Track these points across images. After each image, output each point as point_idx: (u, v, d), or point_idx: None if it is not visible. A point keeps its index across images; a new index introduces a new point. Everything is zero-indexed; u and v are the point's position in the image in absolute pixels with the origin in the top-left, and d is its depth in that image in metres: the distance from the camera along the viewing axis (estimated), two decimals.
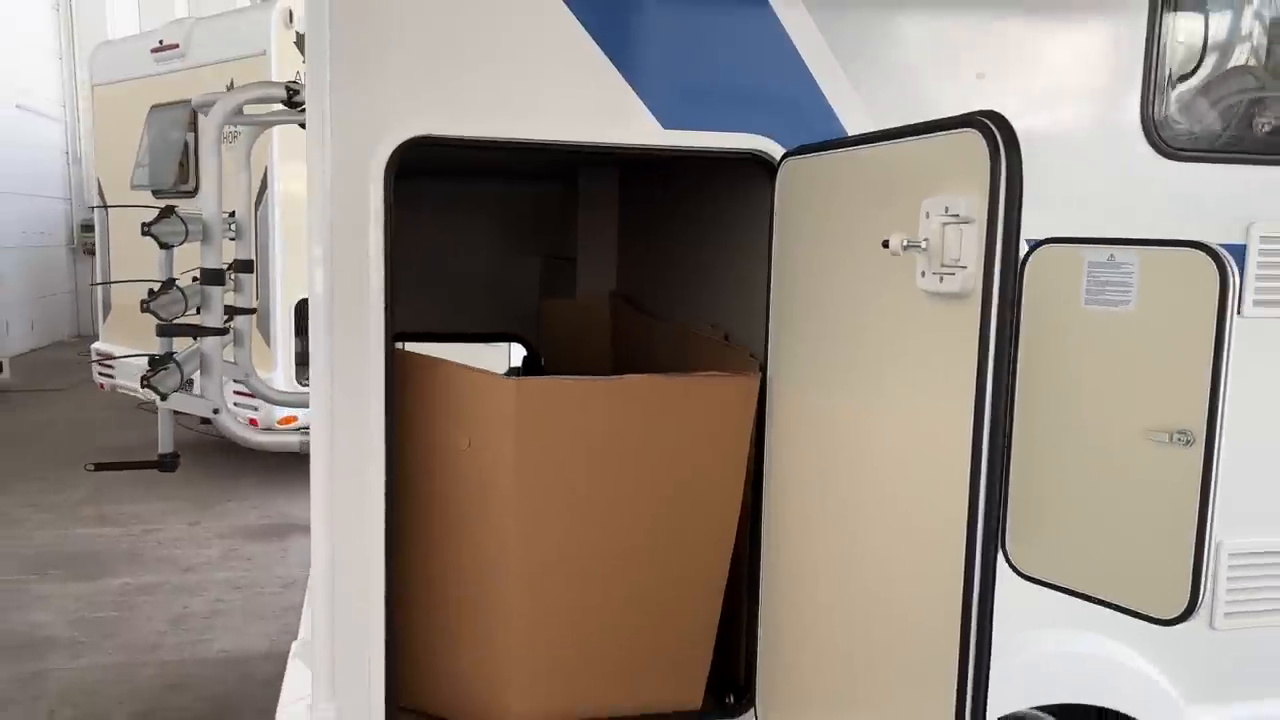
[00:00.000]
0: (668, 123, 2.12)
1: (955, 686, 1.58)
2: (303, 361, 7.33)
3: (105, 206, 8.32)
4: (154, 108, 7.76)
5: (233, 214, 3.59)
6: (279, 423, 6.73)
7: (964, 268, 1.43)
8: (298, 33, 6.83)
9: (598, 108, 2.09)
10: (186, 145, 7.46)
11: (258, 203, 6.82)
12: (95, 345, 8.58)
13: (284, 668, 4.55)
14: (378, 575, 2.09)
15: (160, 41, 7.56)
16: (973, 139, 1.41)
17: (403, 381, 2.09)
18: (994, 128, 1.39)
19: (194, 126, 7.42)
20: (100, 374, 8.46)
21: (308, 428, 2.01)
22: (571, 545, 2.21)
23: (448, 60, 2.00)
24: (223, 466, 7.92)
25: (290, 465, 7.94)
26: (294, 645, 2.62)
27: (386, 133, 1.98)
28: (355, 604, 2.10)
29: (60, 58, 15.88)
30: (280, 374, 6.75)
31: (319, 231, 1.99)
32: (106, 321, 8.53)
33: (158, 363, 2.62)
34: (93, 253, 16.05)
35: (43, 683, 4.31)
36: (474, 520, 2.20)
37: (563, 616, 2.24)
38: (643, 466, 2.20)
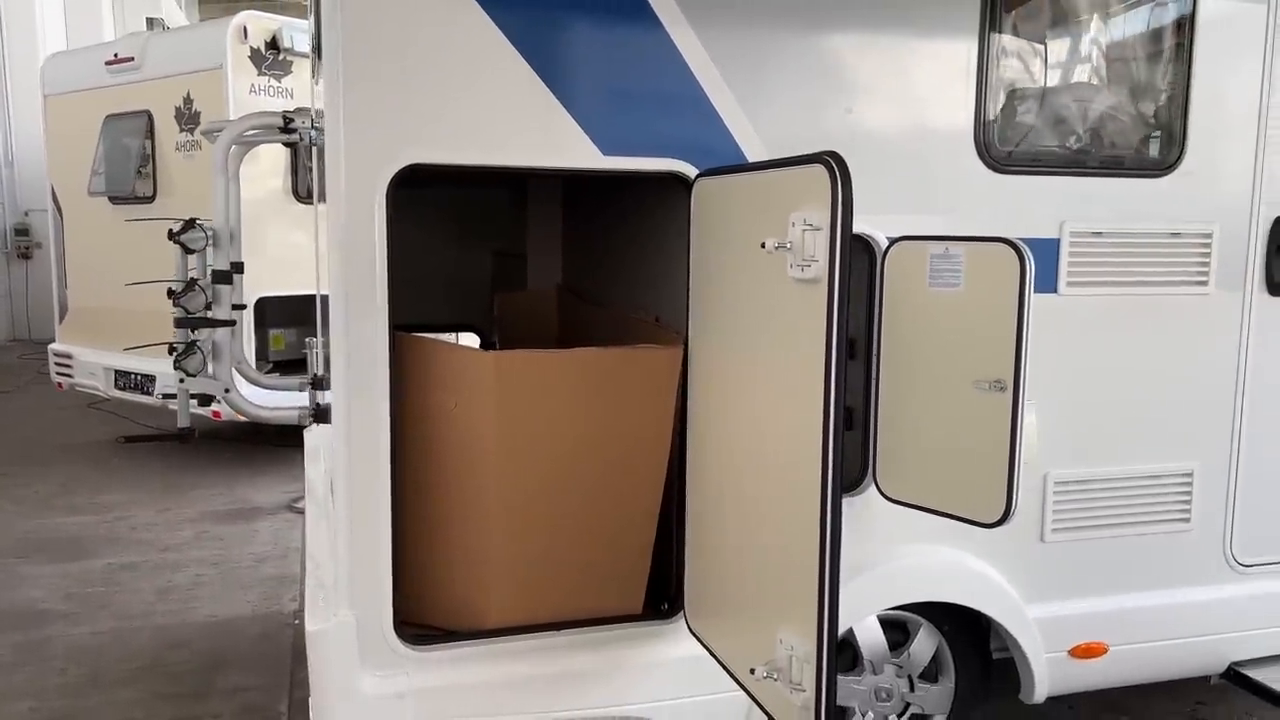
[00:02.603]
0: (606, 151, 2.72)
1: (816, 589, 2.07)
2: (261, 355, 7.78)
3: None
4: (109, 117, 8.12)
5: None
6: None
7: (816, 261, 2.05)
8: (251, 47, 7.29)
9: (550, 140, 2.68)
10: (144, 153, 7.84)
11: None
12: (52, 346, 8.87)
13: (267, 629, 5.09)
14: (384, 510, 2.66)
15: (115, 54, 7.93)
16: (820, 171, 2.03)
17: (402, 357, 2.66)
18: (834, 164, 2.01)
19: (151, 134, 7.82)
20: (58, 373, 8.76)
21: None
22: (538, 483, 2.80)
23: (435, 105, 2.57)
24: (184, 458, 8.33)
25: (247, 455, 8.39)
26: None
27: (387, 162, 2.55)
28: (368, 532, 2.66)
29: None
30: None
31: (336, 241, 2.55)
32: (63, 323, 8.83)
33: (185, 348, 3.15)
34: (27, 256, 16.17)
35: (49, 647, 4.76)
36: (460, 465, 2.78)
37: (531, 540, 2.84)
38: (592, 419, 2.80)
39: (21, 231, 15.99)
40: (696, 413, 2.76)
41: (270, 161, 7.40)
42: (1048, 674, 3.31)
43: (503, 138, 2.66)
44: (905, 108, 2.99)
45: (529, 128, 2.67)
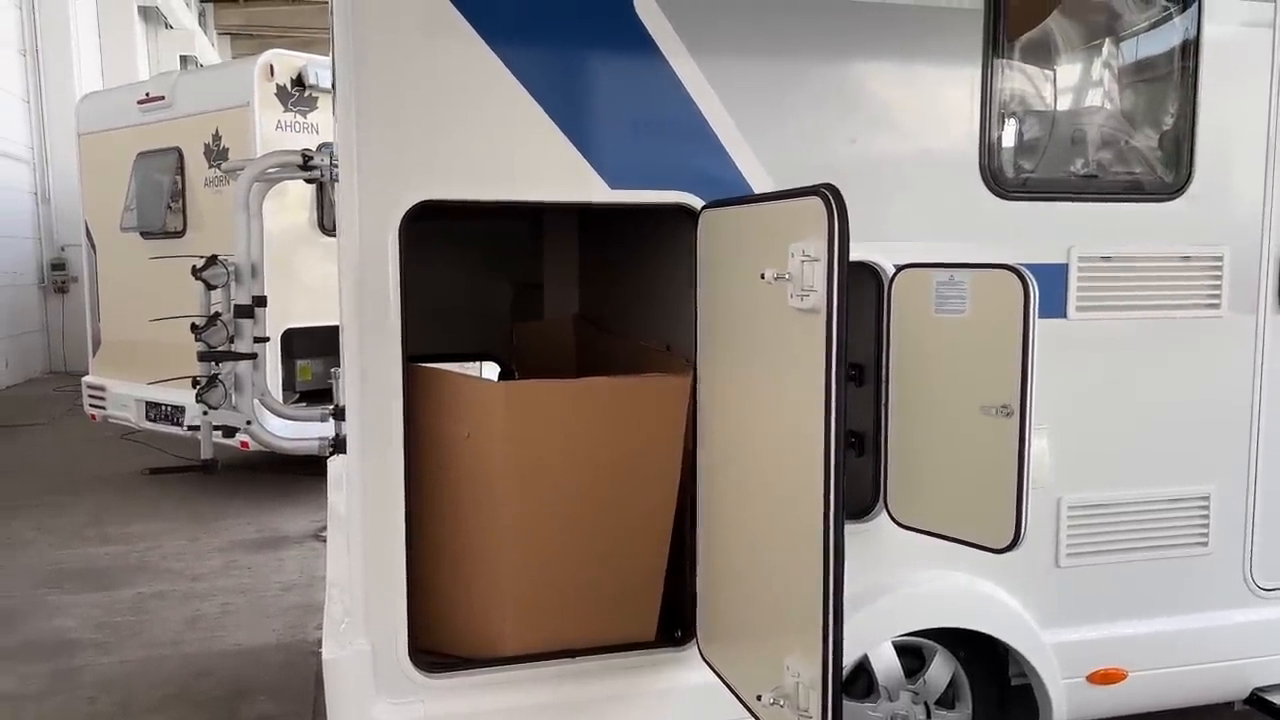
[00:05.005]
0: (613, 184, 2.77)
1: (820, 616, 2.10)
2: (289, 385, 7.90)
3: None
4: (140, 154, 8.32)
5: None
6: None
7: (815, 291, 2.09)
8: (277, 85, 7.45)
9: (560, 175, 2.74)
10: (175, 189, 8.02)
11: None
12: (86, 378, 9.04)
13: (291, 657, 5.15)
14: (399, 539, 2.71)
15: (146, 94, 8.13)
16: (817, 203, 2.07)
17: (417, 388, 2.71)
18: (830, 196, 2.05)
19: (181, 171, 8.00)
20: (91, 405, 8.93)
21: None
22: (551, 512, 2.84)
23: (446, 143, 2.64)
24: (214, 488, 8.44)
25: (275, 485, 8.49)
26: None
27: (400, 199, 2.61)
28: (382, 561, 2.71)
29: (27, 102, 16.26)
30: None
31: (350, 276, 2.61)
32: (96, 356, 9.00)
33: (207, 382, 3.23)
34: (64, 291, 16.50)
35: (79, 676, 4.84)
36: (474, 494, 2.83)
37: (544, 567, 2.87)
38: (602, 448, 2.84)
39: (58, 266, 16.32)
40: (706, 441, 2.79)
41: (297, 196, 7.54)
42: (1066, 700, 3.28)
43: (512, 174, 2.72)
44: (910, 136, 3.02)
45: (537, 163, 2.73)
